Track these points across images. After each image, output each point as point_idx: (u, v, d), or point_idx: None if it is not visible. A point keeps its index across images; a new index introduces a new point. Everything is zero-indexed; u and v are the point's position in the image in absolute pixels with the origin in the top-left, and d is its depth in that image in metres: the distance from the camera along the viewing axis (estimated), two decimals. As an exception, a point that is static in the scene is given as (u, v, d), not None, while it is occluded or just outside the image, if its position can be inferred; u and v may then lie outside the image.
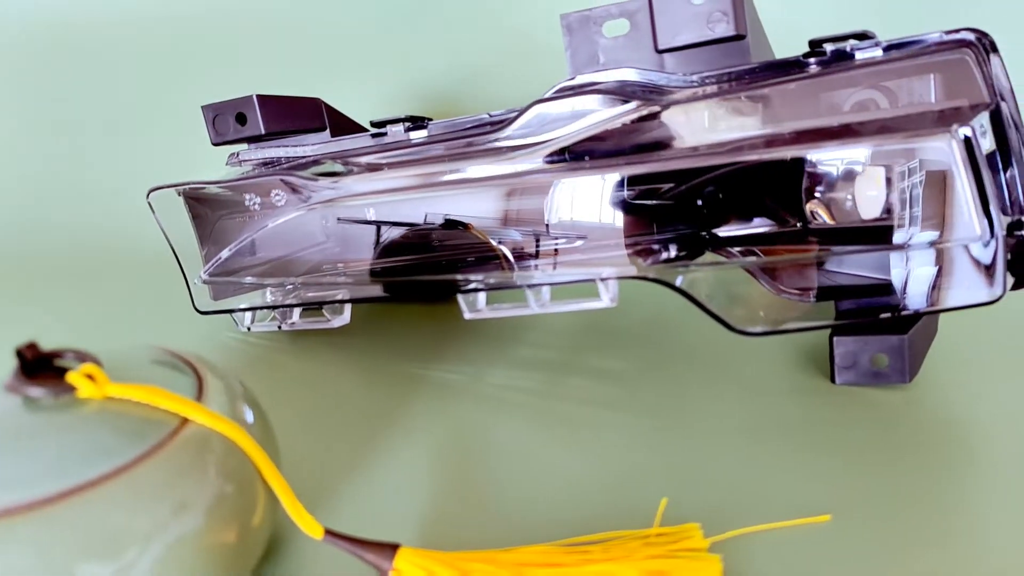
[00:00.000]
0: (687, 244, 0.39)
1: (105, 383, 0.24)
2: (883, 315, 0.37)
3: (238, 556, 0.24)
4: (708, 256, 0.39)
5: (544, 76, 0.48)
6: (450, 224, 0.44)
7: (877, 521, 0.28)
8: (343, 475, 0.34)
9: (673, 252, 0.40)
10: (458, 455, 0.36)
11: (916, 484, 0.31)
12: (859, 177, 0.35)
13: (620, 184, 0.39)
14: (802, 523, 0.28)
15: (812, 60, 0.36)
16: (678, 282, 0.38)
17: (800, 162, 0.36)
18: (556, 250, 0.41)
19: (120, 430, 0.23)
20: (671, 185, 0.39)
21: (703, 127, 0.38)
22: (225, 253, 0.50)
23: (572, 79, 0.41)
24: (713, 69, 0.38)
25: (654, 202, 0.39)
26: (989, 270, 0.33)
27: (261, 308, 0.51)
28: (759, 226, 0.38)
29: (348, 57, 0.91)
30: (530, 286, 0.41)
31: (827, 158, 0.35)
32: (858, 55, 0.36)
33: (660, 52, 0.39)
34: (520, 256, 0.42)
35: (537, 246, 0.41)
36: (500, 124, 0.42)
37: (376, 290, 0.47)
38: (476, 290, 0.42)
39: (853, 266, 0.38)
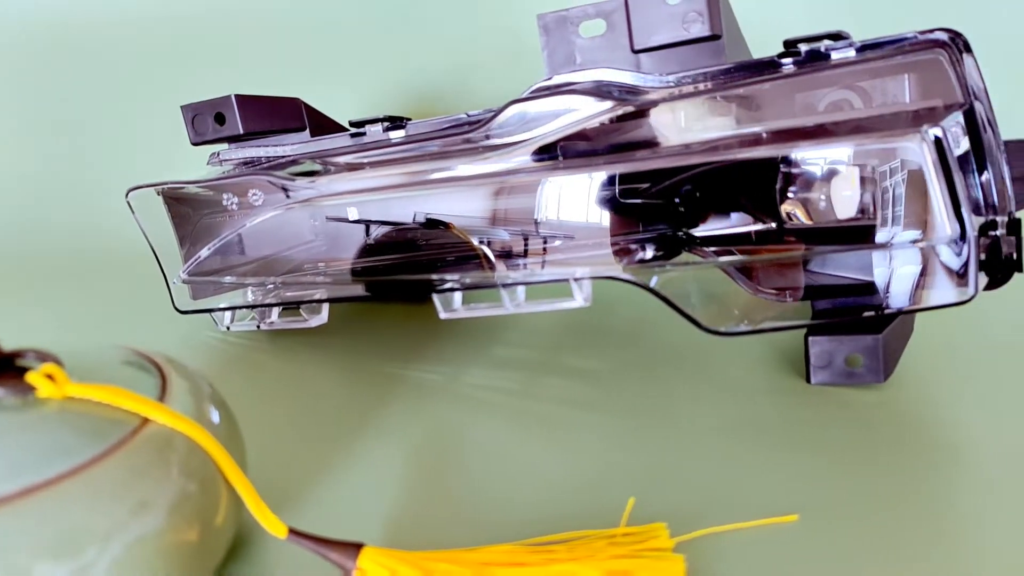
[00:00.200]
0: (665, 244, 0.39)
1: (65, 383, 0.24)
2: (867, 313, 0.37)
3: (201, 556, 0.24)
4: (685, 256, 0.39)
5: (527, 76, 0.48)
6: (431, 223, 0.44)
7: (846, 521, 0.28)
8: (316, 474, 0.34)
9: (651, 252, 0.40)
10: (432, 455, 0.36)
11: (888, 484, 0.30)
12: (835, 177, 0.35)
13: (607, 183, 0.39)
14: (769, 523, 0.28)
15: (787, 60, 0.36)
16: (653, 282, 0.38)
17: (775, 162, 0.36)
18: (544, 249, 0.41)
19: (80, 429, 0.23)
20: (647, 185, 0.39)
21: (679, 127, 0.38)
22: (204, 252, 0.50)
23: (549, 79, 0.41)
24: (689, 69, 0.38)
25: (638, 200, 0.39)
26: (962, 270, 0.33)
27: (240, 308, 0.51)
28: (736, 225, 0.38)
29: (336, 57, 0.92)
30: (504, 286, 0.41)
31: (802, 158, 0.36)
32: (832, 55, 0.36)
33: (636, 52, 0.39)
34: (509, 255, 0.42)
35: (525, 245, 0.41)
36: (477, 124, 0.42)
37: (355, 289, 0.47)
38: (451, 290, 0.42)
39: (835, 267, 0.38)
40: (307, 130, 0.51)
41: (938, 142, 0.31)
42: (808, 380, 0.40)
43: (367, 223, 0.45)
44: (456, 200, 0.43)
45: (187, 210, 0.50)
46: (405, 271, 0.45)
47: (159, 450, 0.24)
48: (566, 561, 0.25)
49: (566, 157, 0.39)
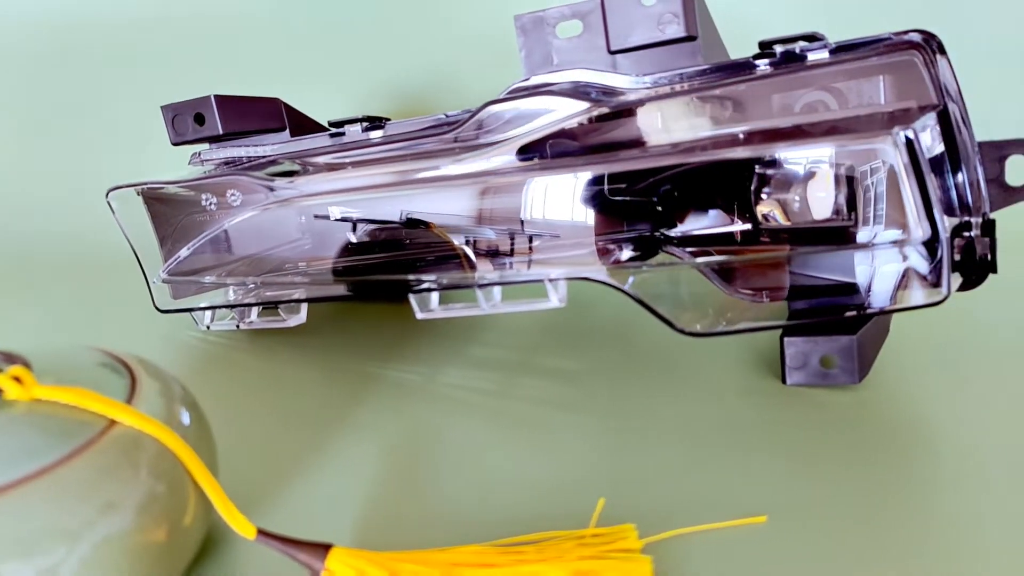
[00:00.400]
0: (643, 244, 0.40)
1: (32, 385, 0.24)
2: (848, 313, 0.37)
3: (169, 556, 0.24)
4: (662, 256, 0.39)
5: (507, 77, 0.48)
6: (412, 223, 0.44)
7: (817, 521, 0.28)
8: (291, 474, 0.34)
9: (628, 252, 0.40)
10: (407, 455, 0.36)
11: (861, 484, 0.31)
12: (809, 178, 0.35)
13: (591, 182, 0.39)
14: (738, 524, 0.28)
15: (762, 62, 0.37)
16: (629, 282, 0.38)
17: (751, 163, 0.36)
18: (531, 248, 0.41)
19: (47, 431, 0.23)
20: (623, 186, 0.39)
21: (656, 127, 0.38)
22: (184, 252, 0.50)
23: (526, 80, 0.41)
24: (666, 70, 0.38)
25: (620, 198, 0.39)
26: (935, 272, 0.33)
27: (219, 307, 0.51)
28: (712, 226, 0.38)
29: (315, 57, 0.92)
30: (480, 286, 0.41)
31: (779, 158, 0.36)
32: (808, 56, 0.36)
33: (613, 53, 0.39)
34: (495, 254, 0.42)
35: (512, 244, 0.41)
36: (455, 124, 0.42)
37: (334, 289, 0.47)
38: (428, 290, 0.42)
39: (814, 267, 0.38)
40: (287, 130, 0.51)
41: (909, 143, 0.31)
42: (784, 381, 0.40)
43: (354, 221, 0.45)
44: (441, 200, 0.43)
45: (167, 210, 0.50)
46: (385, 271, 0.45)
47: (127, 451, 0.24)
48: (535, 562, 0.25)
49: (544, 158, 0.39)
